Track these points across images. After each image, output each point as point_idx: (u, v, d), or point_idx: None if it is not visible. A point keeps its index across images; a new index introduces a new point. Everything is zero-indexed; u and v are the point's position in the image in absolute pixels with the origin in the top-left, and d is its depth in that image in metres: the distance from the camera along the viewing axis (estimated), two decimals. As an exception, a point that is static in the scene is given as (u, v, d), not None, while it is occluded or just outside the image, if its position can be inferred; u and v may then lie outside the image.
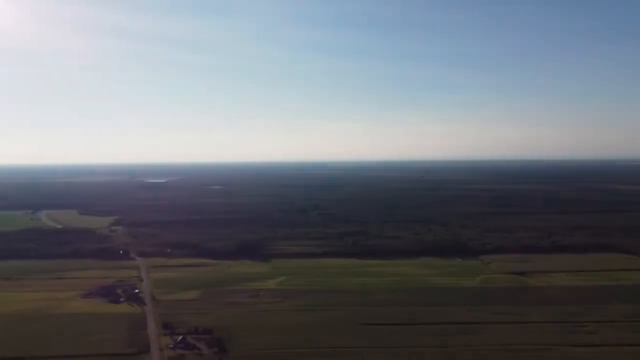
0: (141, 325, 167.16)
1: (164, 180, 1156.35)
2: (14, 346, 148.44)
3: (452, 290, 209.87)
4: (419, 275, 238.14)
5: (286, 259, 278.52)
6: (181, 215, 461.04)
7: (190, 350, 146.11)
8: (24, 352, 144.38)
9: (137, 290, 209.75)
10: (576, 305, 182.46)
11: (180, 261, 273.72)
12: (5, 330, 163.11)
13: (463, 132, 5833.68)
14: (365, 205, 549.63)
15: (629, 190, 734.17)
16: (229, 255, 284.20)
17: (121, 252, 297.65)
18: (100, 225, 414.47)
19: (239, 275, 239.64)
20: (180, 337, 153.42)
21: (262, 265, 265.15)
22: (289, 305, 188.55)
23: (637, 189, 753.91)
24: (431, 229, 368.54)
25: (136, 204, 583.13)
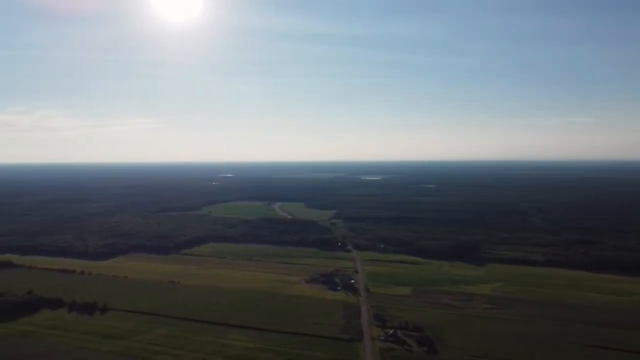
0: (355, 314, 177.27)
1: (378, 178, 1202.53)
2: (249, 316, 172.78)
3: None
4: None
5: (503, 265, 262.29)
6: (395, 212, 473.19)
7: (400, 345, 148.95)
8: (256, 323, 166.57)
9: (352, 281, 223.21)
10: None
11: (393, 257, 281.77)
12: (243, 303, 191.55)
13: None
14: (596, 210, 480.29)
15: None
16: (441, 255, 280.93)
17: (339, 243, 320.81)
18: (322, 217, 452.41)
19: (451, 277, 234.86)
20: (391, 331, 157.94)
21: (476, 268, 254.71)
22: (504, 314, 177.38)
23: None
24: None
25: (353, 200, 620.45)
